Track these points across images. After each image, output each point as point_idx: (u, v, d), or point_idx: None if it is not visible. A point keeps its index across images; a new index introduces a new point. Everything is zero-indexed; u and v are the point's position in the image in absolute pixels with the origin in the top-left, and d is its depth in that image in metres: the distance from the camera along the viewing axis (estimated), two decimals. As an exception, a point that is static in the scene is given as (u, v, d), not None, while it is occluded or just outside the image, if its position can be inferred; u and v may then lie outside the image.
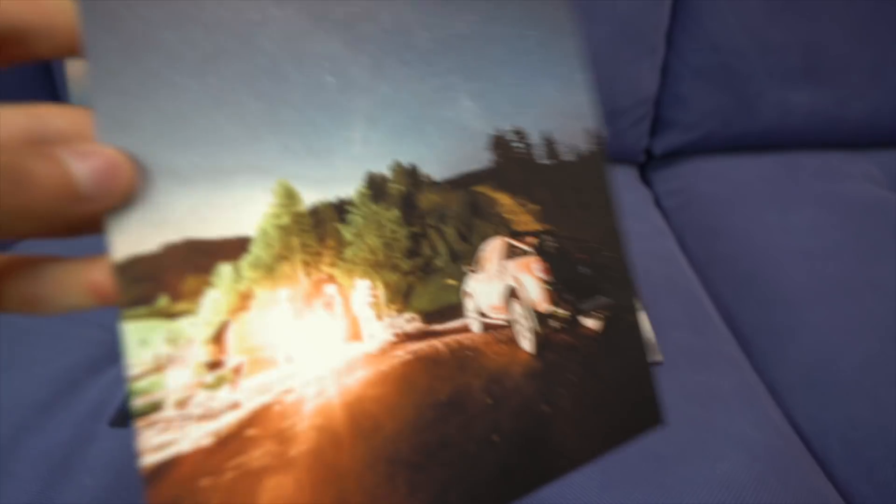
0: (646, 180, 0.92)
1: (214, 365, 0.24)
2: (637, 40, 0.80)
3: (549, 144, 0.39)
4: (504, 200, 0.36)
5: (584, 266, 0.40)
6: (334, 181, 0.29)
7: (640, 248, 0.68)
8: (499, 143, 0.36)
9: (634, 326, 0.43)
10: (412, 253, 0.31)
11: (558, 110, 0.41)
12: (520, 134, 0.38)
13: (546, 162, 0.39)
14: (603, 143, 0.43)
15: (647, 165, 0.94)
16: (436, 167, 0.33)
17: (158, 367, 0.23)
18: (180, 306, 0.24)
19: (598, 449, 0.38)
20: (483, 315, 0.33)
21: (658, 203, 0.86)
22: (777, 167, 0.85)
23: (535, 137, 0.39)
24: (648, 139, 0.90)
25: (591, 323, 0.40)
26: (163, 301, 0.24)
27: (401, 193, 0.31)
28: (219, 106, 0.26)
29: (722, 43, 0.82)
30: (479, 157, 0.35)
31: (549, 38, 0.40)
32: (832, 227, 0.69)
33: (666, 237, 0.75)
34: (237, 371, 0.25)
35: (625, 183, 0.88)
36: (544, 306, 0.37)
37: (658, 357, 0.50)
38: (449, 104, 0.34)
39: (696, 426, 0.46)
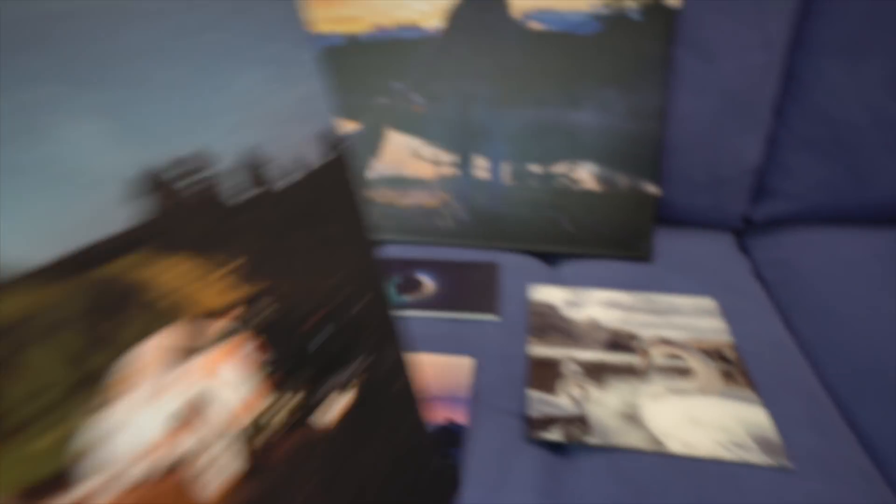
0: (742, 247, 0.88)
1: None
2: (744, 113, 0.80)
3: (255, 167, 0.28)
4: (174, 269, 0.24)
5: (324, 324, 0.30)
6: None
7: (749, 330, 0.64)
8: (156, 185, 0.24)
9: (399, 382, 0.33)
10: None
11: (272, 114, 0.29)
12: (197, 162, 0.26)
13: (249, 195, 0.28)
14: (343, 148, 0.32)
15: (745, 232, 0.90)
16: (26, 247, 0.20)
17: None
18: None
19: None
20: (142, 458, 0.23)
21: (758, 274, 0.81)
22: (891, 244, 0.80)
23: (227, 161, 0.27)
24: (749, 206, 0.87)
25: (340, 399, 0.30)
26: None
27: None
28: None
29: (835, 115, 0.81)
30: (119, 214, 0.23)
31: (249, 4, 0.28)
32: (958, 317, 0.65)
33: (772, 317, 0.69)
34: None
35: (722, 251, 0.84)
36: (259, 403, 0.27)
37: (787, 463, 0.46)
38: (50, 133, 0.21)
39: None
